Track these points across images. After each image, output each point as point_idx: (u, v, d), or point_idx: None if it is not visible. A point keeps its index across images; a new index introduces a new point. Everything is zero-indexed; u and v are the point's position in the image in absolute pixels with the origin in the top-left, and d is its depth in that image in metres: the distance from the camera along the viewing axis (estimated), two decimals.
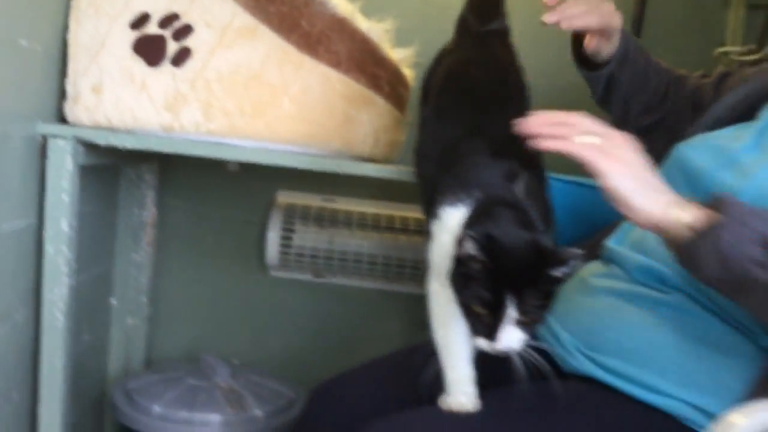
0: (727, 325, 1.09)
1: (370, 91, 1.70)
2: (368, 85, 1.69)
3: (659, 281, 1.17)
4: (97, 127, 1.58)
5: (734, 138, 1.22)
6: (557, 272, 0.98)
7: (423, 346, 1.17)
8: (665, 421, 1.08)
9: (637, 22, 2.12)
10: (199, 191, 2.16)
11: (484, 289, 0.97)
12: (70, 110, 1.60)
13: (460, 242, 0.98)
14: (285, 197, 2.17)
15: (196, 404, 1.79)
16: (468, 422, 1.09)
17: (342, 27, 1.66)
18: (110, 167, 2.00)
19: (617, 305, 1.19)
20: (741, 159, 1.16)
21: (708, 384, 1.07)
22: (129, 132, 1.58)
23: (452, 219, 1.08)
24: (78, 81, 1.60)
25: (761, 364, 1.06)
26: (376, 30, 1.71)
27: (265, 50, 1.58)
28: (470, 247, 0.97)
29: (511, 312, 0.97)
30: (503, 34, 1.44)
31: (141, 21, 1.60)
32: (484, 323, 0.98)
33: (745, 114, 1.30)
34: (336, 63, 1.63)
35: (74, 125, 1.60)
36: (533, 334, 1.01)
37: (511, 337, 0.98)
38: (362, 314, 2.20)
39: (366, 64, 1.68)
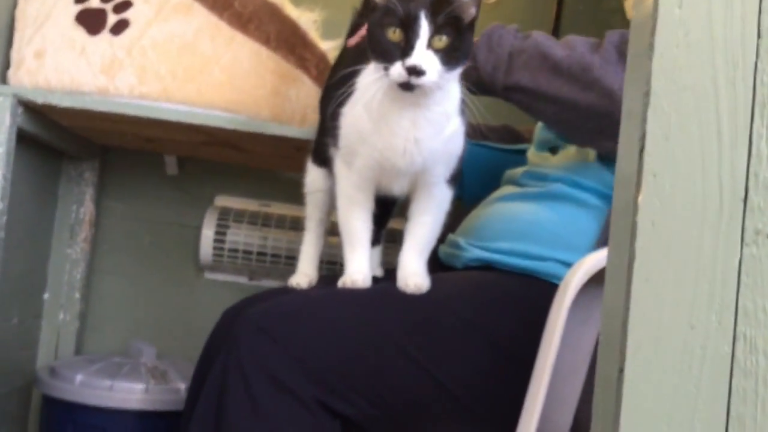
0: (595, 198, 1.21)
1: (299, 70, 1.82)
2: (297, 65, 1.82)
3: (541, 179, 1.28)
4: (37, 89, 1.68)
5: None
6: None
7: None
8: (533, 282, 1.16)
9: None
10: (138, 192, 2.22)
11: (398, 9, 1.06)
12: (14, 75, 1.70)
13: None
14: (223, 201, 2.24)
15: (119, 375, 1.79)
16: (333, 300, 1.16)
17: (272, 11, 1.80)
18: (52, 161, 2.08)
19: (505, 205, 1.31)
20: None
21: (577, 243, 1.17)
22: (66, 93, 1.67)
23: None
24: (22, 48, 1.71)
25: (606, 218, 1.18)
26: (304, 18, 1.86)
27: (199, 24, 1.71)
28: None
29: (425, 27, 1.05)
30: None
31: None
32: (399, 47, 1.06)
33: None
34: (266, 40, 1.76)
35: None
36: (448, 68, 1.08)
37: (424, 56, 1.05)
38: None
39: (295, 46, 1.81)
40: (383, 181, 1.21)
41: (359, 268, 1.20)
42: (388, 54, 1.07)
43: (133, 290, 2.22)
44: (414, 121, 1.12)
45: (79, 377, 1.77)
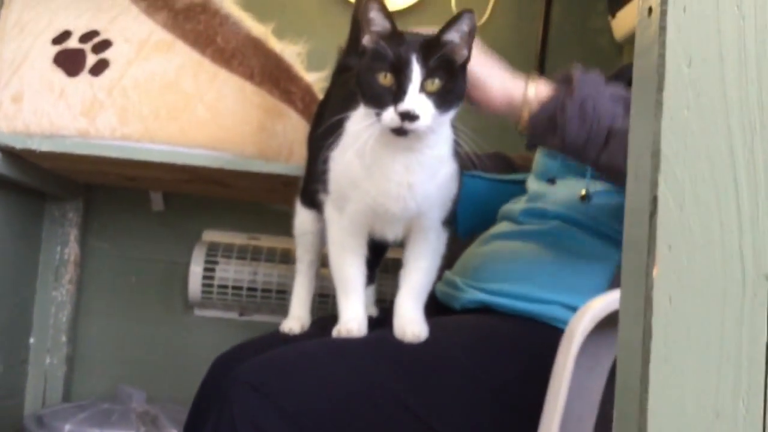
0: (597, 239, 1.17)
1: (284, 105, 1.78)
2: (282, 99, 1.78)
3: (540, 217, 1.25)
4: (16, 134, 1.63)
5: None
6: (452, 35, 1.05)
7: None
8: (535, 326, 1.12)
9: (538, 69, 2.27)
10: (124, 230, 2.18)
11: (389, 53, 1.03)
12: None
13: (363, 16, 1.05)
14: (210, 236, 2.20)
15: (107, 423, 1.74)
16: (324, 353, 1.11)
17: (255, 45, 1.76)
18: (34, 203, 2.03)
19: (503, 244, 1.27)
20: None
21: (580, 286, 1.13)
22: (45, 137, 1.63)
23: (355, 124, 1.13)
24: None
25: (618, 263, 1.13)
26: (288, 52, 1.82)
27: (181, 62, 1.68)
28: (374, 12, 1.03)
29: (416, 71, 1.02)
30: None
31: (63, 37, 1.69)
32: (391, 91, 1.03)
33: None
34: (249, 75, 1.73)
35: None
36: (441, 111, 1.05)
37: (417, 100, 1.02)
38: None
39: (279, 80, 1.77)
40: (376, 227, 1.17)
41: (354, 315, 1.16)
42: (379, 99, 1.04)
43: (121, 331, 2.17)
44: (407, 166, 1.08)
45: (67, 427, 1.72)
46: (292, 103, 1.81)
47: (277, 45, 1.80)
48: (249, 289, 2.11)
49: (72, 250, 2.11)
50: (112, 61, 1.66)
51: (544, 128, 1.09)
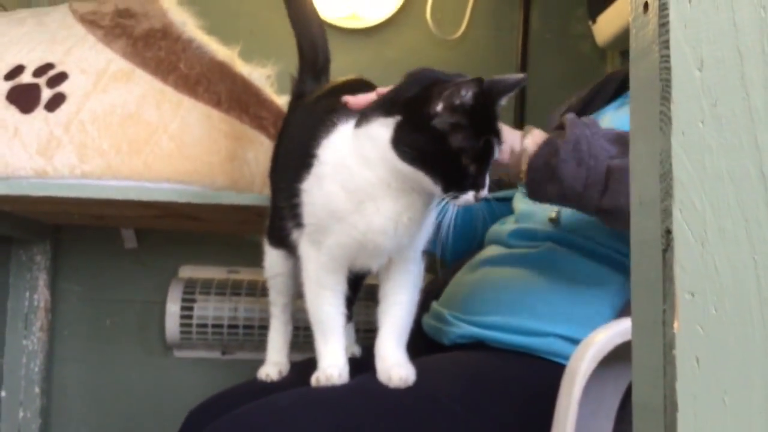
0: (595, 261, 1.08)
1: (255, 131, 1.68)
2: (253, 125, 1.68)
3: (530, 239, 1.16)
4: None
5: None
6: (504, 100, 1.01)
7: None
8: (533, 363, 1.03)
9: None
10: (96, 271, 2.07)
11: (475, 138, 0.95)
12: None
13: (441, 98, 0.95)
14: (187, 272, 2.09)
15: None
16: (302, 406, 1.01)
17: (222, 70, 1.67)
18: None
19: (493, 270, 1.18)
20: None
21: (579, 315, 1.04)
22: (1, 179, 1.52)
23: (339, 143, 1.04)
24: None
25: (622, 287, 1.04)
26: (257, 75, 1.72)
27: (142, 92, 1.57)
28: (467, 96, 0.94)
29: (496, 153, 0.97)
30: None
31: (15, 72, 1.59)
32: (470, 175, 0.95)
33: None
34: (216, 102, 1.63)
35: None
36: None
37: (487, 180, 0.98)
38: None
39: (249, 105, 1.68)
40: (358, 261, 1.07)
41: (334, 361, 1.05)
42: (460, 184, 0.96)
43: (98, 378, 2.06)
44: (410, 204, 1.00)
45: None
46: (264, 128, 1.71)
47: (244, 68, 1.71)
48: (230, 326, 2.01)
49: (42, 296, 2.00)
50: (68, 94, 1.55)
51: (542, 176, 1.01)
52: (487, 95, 0.96)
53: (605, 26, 1.98)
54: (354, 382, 1.04)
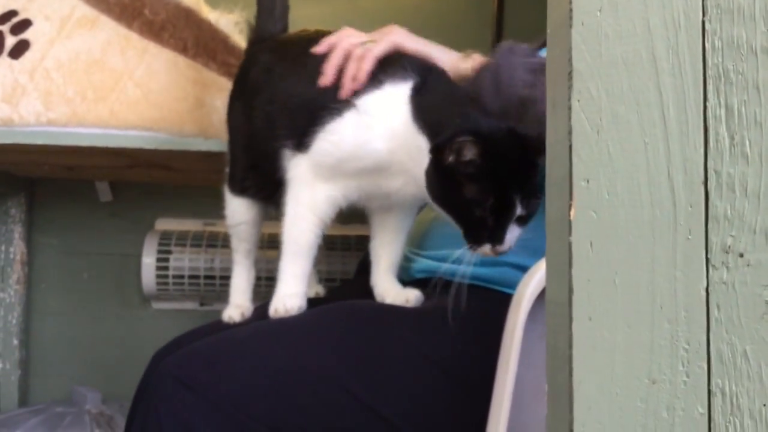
0: None
1: (223, 78, 1.67)
2: (220, 72, 1.66)
3: None
4: None
5: None
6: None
7: None
8: (486, 294, 1.04)
9: (495, 36, 2.16)
10: (72, 224, 2.07)
11: (487, 193, 0.93)
12: None
13: (451, 150, 0.93)
14: (163, 224, 2.09)
15: (60, 427, 1.64)
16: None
17: (187, 16, 1.65)
18: None
19: None
20: None
21: (533, 244, 1.03)
22: None
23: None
24: None
25: None
26: (224, 21, 1.71)
27: (106, 38, 1.56)
28: (470, 153, 0.92)
29: (518, 210, 0.93)
30: None
31: None
32: (487, 227, 0.94)
33: None
34: (182, 49, 1.61)
35: None
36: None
37: (513, 236, 0.95)
38: None
39: (216, 51, 1.66)
40: (370, 202, 1.11)
41: (295, 290, 1.06)
42: (475, 235, 0.96)
43: (76, 330, 2.06)
44: None
45: None
46: (232, 75, 1.69)
47: (211, 14, 1.69)
48: (207, 277, 2.01)
49: (18, 248, 2.00)
50: (32, 41, 1.54)
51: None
52: (515, 149, 0.94)
53: None
54: (309, 313, 1.05)
